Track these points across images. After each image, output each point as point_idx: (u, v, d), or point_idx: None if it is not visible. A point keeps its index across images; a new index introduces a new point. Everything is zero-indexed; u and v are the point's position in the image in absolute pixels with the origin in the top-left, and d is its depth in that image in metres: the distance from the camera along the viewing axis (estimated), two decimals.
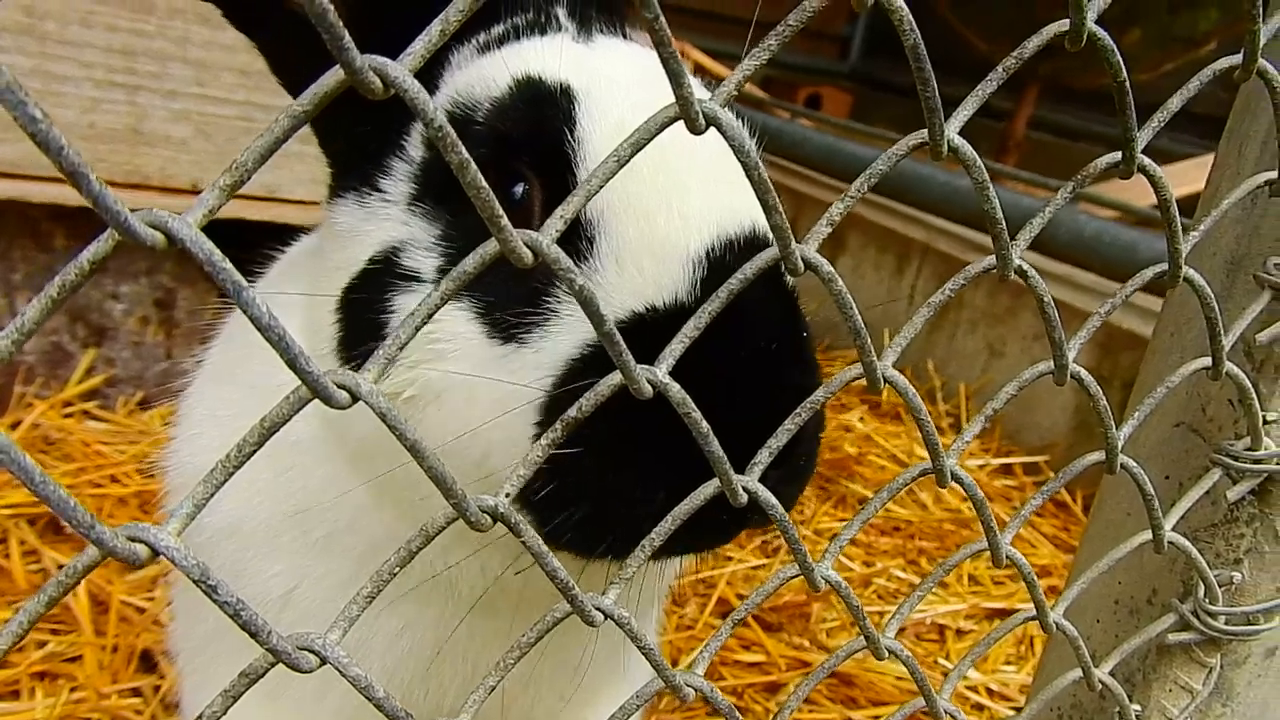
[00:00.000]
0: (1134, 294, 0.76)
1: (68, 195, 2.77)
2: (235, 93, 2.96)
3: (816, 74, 8.02)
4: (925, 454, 3.42)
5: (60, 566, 2.52)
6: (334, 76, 0.44)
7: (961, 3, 5.92)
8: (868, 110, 7.41)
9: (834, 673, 2.69)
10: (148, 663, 2.23)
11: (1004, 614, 3.04)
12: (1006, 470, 3.67)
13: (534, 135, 0.99)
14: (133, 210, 0.43)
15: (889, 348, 0.67)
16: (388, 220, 1.05)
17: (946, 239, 4.10)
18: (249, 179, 0.45)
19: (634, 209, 0.93)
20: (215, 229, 0.44)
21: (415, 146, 1.07)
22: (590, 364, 0.89)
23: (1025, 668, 2.80)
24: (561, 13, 1.16)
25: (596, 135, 0.97)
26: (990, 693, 2.69)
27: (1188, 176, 4.39)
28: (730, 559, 3.01)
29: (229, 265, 0.43)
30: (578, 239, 0.94)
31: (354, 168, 1.12)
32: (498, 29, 1.14)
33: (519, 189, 0.98)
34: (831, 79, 8.09)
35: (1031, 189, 4.29)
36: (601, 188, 0.53)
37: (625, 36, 1.18)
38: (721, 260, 0.91)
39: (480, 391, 0.94)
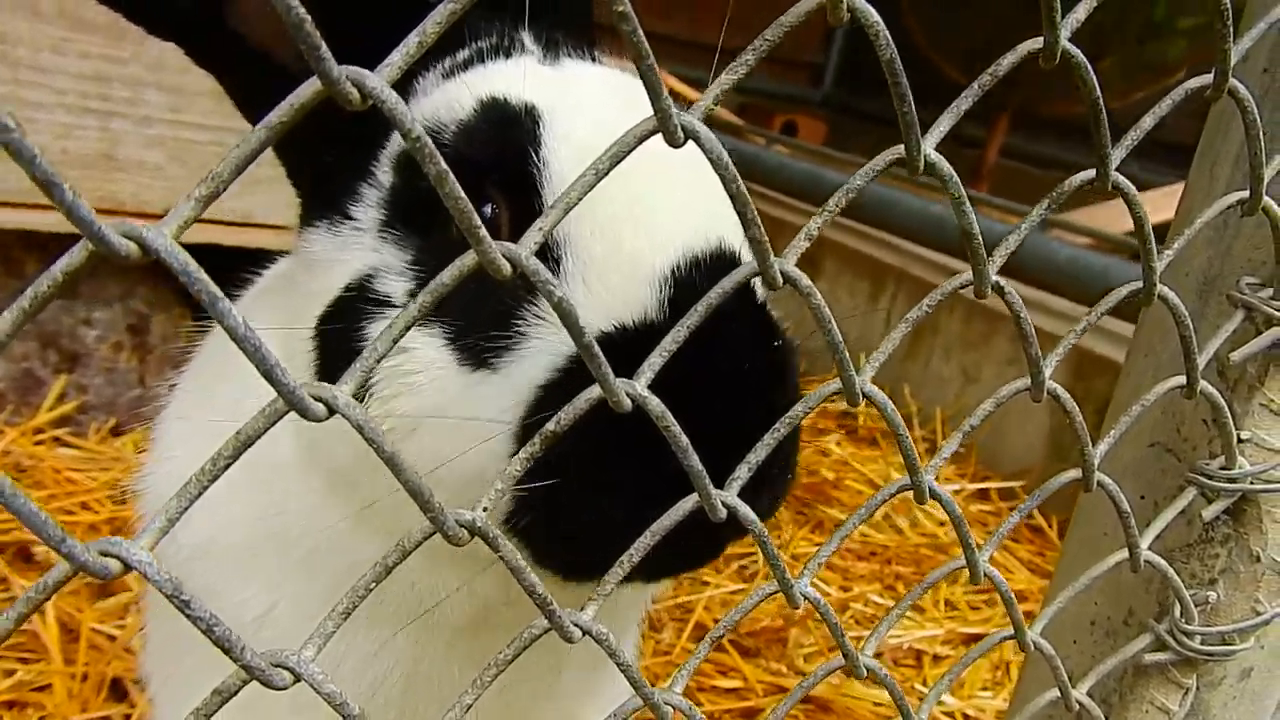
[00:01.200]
0: (1107, 320, 0.76)
1: (39, 221, 2.75)
2: (210, 118, 2.95)
3: (791, 101, 8.08)
4: (903, 478, 3.38)
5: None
6: (311, 88, 0.44)
7: (932, 29, 5.99)
8: (842, 138, 7.46)
9: (811, 698, 2.68)
10: (118, 691, 2.20)
11: (981, 639, 3.04)
12: (983, 495, 3.68)
13: (499, 157, 0.98)
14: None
15: (867, 364, 0.67)
16: (359, 247, 1.05)
17: (921, 264, 4.13)
18: (224, 190, 0.45)
19: (601, 228, 0.93)
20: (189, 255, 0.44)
21: (385, 172, 1.07)
22: (558, 389, 0.89)
23: (1002, 693, 2.79)
24: (527, 37, 1.15)
25: (561, 156, 0.96)
26: (966, 718, 2.69)
27: (1157, 205, 4.43)
28: (707, 584, 3.00)
29: (204, 276, 0.43)
30: (545, 259, 0.93)
31: (324, 196, 1.11)
32: (463, 54, 1.13)
33: (487, 210, 0.98)
34: (806, 106, 8.15)
35: (1005, 215, 4.33)
36: (580, 200, 0.53)
37: (594, 59, 1.17)
38: (689, 278, 0.91)
39: (453, 424, 0.93)
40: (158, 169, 2.93)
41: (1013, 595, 0.80)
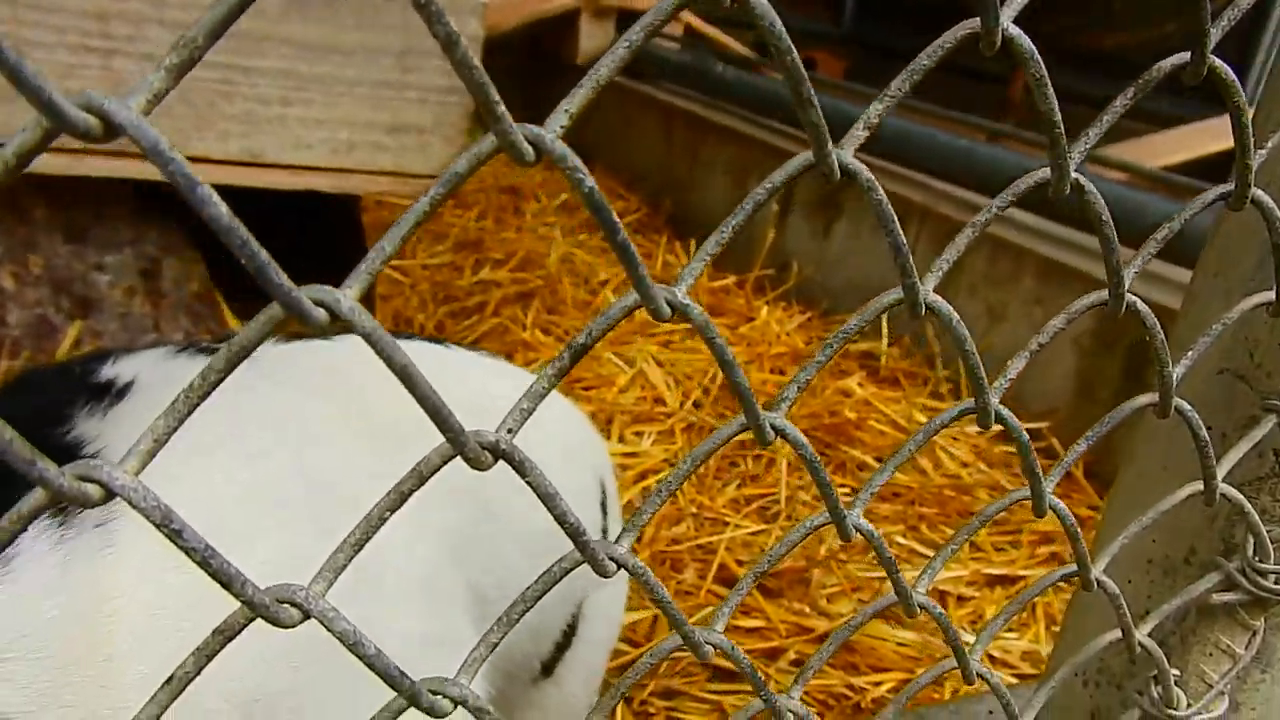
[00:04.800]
0: (1152, 257, 0.68)
1: (46, 164, 2.68)
2: (215, 54, 2.86)
3: (810, 38, 7.90)
4: (924, 420, 3.32)
5: None
6: None
7: None
8: (863, 74, 7.30)
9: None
10: None
11: (1005, 580, 2.99)
12: (1008, 436, 3.60)
13: None
14: (68, 96, 0.36)
15: (930, 273, 0.60)
16: None
17: (947, 201, 4.03)
18: (201, 57, 0.38)
19: None
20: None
21: None
22: None
23: (1027, 635, 2.75)
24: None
25: None
26: (992, 660, 2.65)
27: (1185, 143, 4.31)
28: (727, 524, 2.96)
29: (178, 155, 0.37)
30: None
31: None
32: None
33: None
34: (825, 43, 7.98)
35: (1033, 150, 4.22)
36: (611, 78, 0.46)
37: None
38: None
39: None
40: (163, 108, 2.85)
41: (1078, 529, 0.74)
